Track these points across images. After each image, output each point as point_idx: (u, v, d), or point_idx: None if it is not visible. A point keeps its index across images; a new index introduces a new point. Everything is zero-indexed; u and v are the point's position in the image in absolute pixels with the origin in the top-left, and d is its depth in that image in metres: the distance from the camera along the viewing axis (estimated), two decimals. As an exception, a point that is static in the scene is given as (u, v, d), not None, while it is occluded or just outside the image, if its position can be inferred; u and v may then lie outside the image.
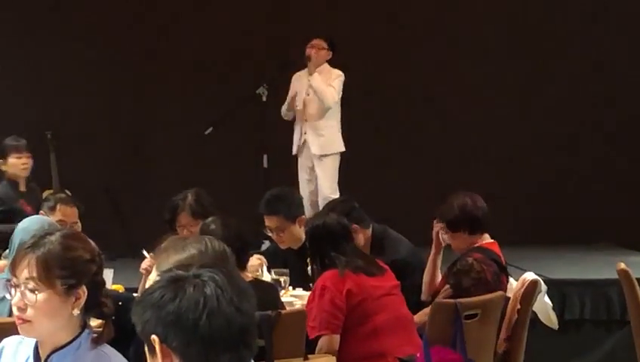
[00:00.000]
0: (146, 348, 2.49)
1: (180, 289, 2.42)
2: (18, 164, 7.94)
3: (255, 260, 5.91)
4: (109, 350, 3.28)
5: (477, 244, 6.09)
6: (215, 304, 2.40)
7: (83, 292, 3.18)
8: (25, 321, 3.18)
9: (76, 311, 3.19)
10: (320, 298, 5.45)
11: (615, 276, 6.52)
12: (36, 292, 3.15)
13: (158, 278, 2.63)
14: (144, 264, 6.15)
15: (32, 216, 5.69)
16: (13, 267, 3.24)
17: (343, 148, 9.62)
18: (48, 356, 3.22)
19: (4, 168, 8.00)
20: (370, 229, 6.63)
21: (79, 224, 6.51)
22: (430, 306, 5.65)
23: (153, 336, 2.42)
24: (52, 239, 3.23)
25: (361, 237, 6.42)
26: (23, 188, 7.89)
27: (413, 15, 11.01)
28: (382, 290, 5.57)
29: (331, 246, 5.65)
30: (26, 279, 3.17)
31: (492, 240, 6.19)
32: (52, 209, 6.46)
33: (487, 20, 11.04)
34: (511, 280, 6.30)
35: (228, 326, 2.41)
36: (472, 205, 6.13)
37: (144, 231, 8.92)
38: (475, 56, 10.98)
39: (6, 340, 3.39)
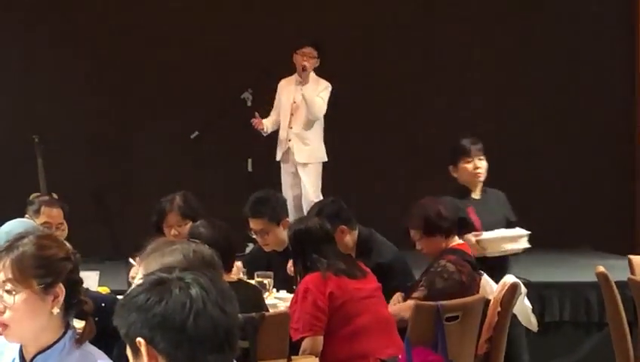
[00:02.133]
0: (129, 351, 2.47)
1: (165, 291, 2.41)
2: (468, 169, 7.02)
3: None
4: (93, 349, 3.28)
5: (449, 246, 6.11)
6: (201, 305, 2.39)
7: (61, 290, 3.18)
8: (5, 327, 3.18)
9: (56, 310, 3.19)
10: (303, 300, 5.46)
11: (594, 279, 6.57)
12: (14, 293, 3.16)
13: (140, 281, 2.61)
14: (132, 272, 6.13)
15: (16, 220, 5.60)
16: None
17: (325, 158, 9.69)
18: (33, 357, 3.21)
19: (455, 175, 7.16)
20: (357, 231, 6.63)
21: (65, 225, 6.51)
22: (412, 308, 5.63)
23: (139, 339, 2.41)
24: (25, 241, 3.24)
25: (349, 238, 6.44)
26: (476, 195, 7.07)
27: (396, 24, 11.03)
28: (364, 292, 5.58)
29: (313, 249, 5.67)
30: (3, 281, 3.17)
31: (462, 241, 6.22)
32: (37, 212, 6.43)
33: (465, 31, 11.07)
34: (491, 282, 6.31)
35: (214, 327, 2.40)
36: (444, 209, 6.19)
37: (130, 235, 8.92)
38: (452, 67, 11.01)
39: None
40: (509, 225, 6.99)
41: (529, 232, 6.81)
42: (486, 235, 6.60)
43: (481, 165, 6.97)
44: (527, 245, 6.77)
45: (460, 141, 7.17)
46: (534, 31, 11.07)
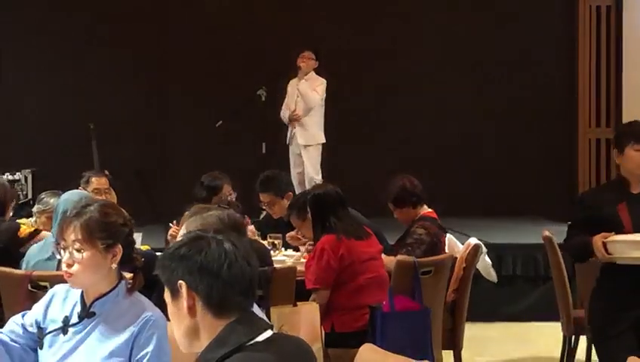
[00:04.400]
0: (167, 294, 2.51)
1: (204, 245, 2.46)
2: (635, 158, 4.58)
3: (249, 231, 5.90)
4: (141, 297, 3.32)
5: (418, 214, 6.06)
6: (233, 257, 2.44)
7: (119, 249, 3.21)
8: (72, 275, 3.20)
9: (114, 265, 3.22)
10: (319, 258, 5.41)
11: (540, 241, 6.59)
12: (82, 251, 3.17)
13: (181, 238, 2.65)
14: (171, 231, 6.15)
15: (72, 190, 5.59)
16: (61, 232, 3.27)
17: (323, 140, 9.69)
18: (92, 303, 3.24)
19: (618, 162, 4.80)
20: None
21: (112, 191, 6.51)
22: (395, 263, 5.60)
23: (180, 282, 2.45)
24: (91, 209, 3.26)
25: None
26: (636, 189, 4.65)
27: (383, 39, 11.04)
28: (368, 255, 5.53)
29: (331, 211, 5.58)
30: (73, 241, 3.19)
31: (430, 210, 6.17)
32: (87, 182, 6.44)
33: (434, 53, 11.09)
34: (458, 243, 6.31)
35: (242, 275, 2.45)
36: (410, 184, 6.10)
37: (166, 204, 8.95)
38: (423, 75, 11.04)
39: (56, 288, 3.40)
40: None
41: None
42: (616, 238, 4.46)
43: None
44: None
45: (633, 124, 4.91)
46: (495, 53, 11.09)
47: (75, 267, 3.19)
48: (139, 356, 3.16)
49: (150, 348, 3.15)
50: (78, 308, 3.26)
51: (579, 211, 4.87)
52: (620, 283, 4.58)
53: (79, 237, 3.19)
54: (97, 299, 3.24)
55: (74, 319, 3.26)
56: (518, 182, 10.93)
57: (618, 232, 4.48)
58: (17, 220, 6.56)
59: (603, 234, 4.46)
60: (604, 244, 4.43)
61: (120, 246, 3.22)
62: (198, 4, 10.98)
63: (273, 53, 10.41)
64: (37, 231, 5.62)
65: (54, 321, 3.29)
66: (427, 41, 11.05)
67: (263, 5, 10.97)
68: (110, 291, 3.24)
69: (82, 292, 3.26)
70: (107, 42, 10.84)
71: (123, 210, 3.42)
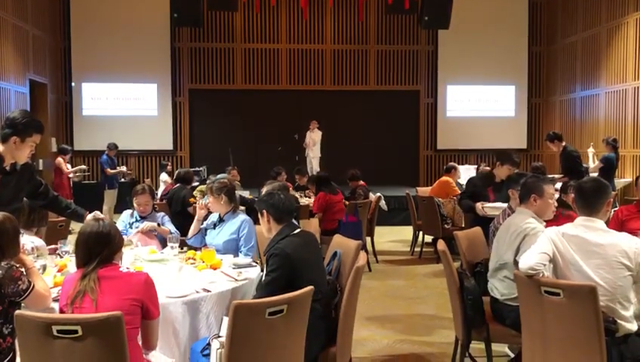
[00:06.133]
0: (260, 215, 2.35)
1: (274, 195, 2.33)
2: (504, 171, 4.05)
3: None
4: (243, 213, 3.19)
5: (359, 184, 5.92)
6: (285, 200, 2.31)
7: (223, 196, 3.08)
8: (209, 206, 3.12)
9: (222, 202, 3.09)
10: (317, 201, 5.27)
11: (404, 194, 6.45)
12: (209, 197, 3.10)
13: (265, 193, 2.51)
14: (261, 189, 5.93)
15: (221, 174, 5.42)
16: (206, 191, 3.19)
17: (320, 155, 9.45)
18: (222, 216, 3.11)
19: (494, 167, 4.16)
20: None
21: (238, 176, 6.27)
22: (348, 204, 5.45)
23: (264, 210, 2.32)
24: (216, 182, 3.17)
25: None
26: (498, 180, 4.11)
27: (350, 114, 10.56)
28: (337, 200, 5.35)
29: (323, 183, 5.41)
30: (208, 194, 3.11)
31: (363, 182, 6.03)
32: (228, 172, 6.23)
33: (362, 117, 10.61)
34: (372, 195, 6.17)
35: (289, 207, 2.32)
36: (355, 172, 6.01)
37: (258, 178, 8.70)
38: (359, 126, 10.61)
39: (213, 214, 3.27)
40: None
41: (505, 205, 3.73)
42: (487, 205, 4.00)
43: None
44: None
45: (512, 153, 4.14)
46: (389, 121, 10.66)
47: (210, 204, 3.12)
48: (240, 234, 3.04)
49: (244, 232, 3.03)
50: (217, 219, 3.16)
51: (468, 187, 4.22)
52: (484, 220, 3.84)
53: (209, 192, 3.11)
54: (224, 215, 3.12)
55: (217, 222, 3.16)
56: (397, 171, 10.72)
57: (487, 201, 4.04)
58: (199, 186, 6.34)
59: (481, 202, 3.99)
60: (482, 207, 3.99)
61: (224, 196, 3.07)
62: (272, 96, 10.42)
63: (302, 119, 10.04)
64: (195, 202, 5.42)
65: (210, 224, 3.19)
66: (364, 112, 10.63)
67: (302, 96, 10.46)
68: (228, 211, 3.11)
69: (219, 213, 3.15)
70: (238, 112, 10.36)
71: (230, 182, 3.24)
